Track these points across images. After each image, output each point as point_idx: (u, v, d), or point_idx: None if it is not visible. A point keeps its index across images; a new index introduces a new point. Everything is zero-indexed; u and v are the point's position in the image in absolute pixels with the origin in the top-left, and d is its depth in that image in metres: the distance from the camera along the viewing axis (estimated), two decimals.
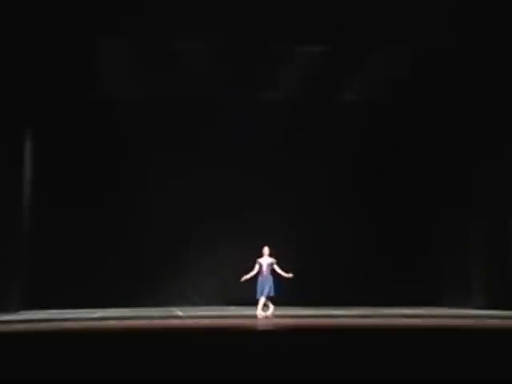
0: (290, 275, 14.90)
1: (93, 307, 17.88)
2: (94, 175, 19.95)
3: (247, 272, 14.90)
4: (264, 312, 14.54)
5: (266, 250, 15.01)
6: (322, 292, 19.60)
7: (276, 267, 14.95)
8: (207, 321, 13.90)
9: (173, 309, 18.31)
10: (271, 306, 14.74)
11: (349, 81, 18.88)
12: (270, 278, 14.79)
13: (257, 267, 14.86)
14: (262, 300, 14.68)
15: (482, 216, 18.84)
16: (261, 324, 12.98)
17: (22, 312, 17.48)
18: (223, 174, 20.24)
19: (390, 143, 20.70)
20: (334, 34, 16.06)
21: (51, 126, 19.46)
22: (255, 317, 14.29)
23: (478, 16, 15.27)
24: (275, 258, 15.08)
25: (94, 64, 17.31)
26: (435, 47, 16.73)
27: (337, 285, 19.91)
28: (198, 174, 20.29)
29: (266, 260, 14.92)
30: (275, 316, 14.49)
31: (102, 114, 19.58)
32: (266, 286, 14.66)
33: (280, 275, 14.91)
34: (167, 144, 20.23)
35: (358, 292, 19.65)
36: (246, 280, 14.81)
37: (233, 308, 18.43)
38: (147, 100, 19.62)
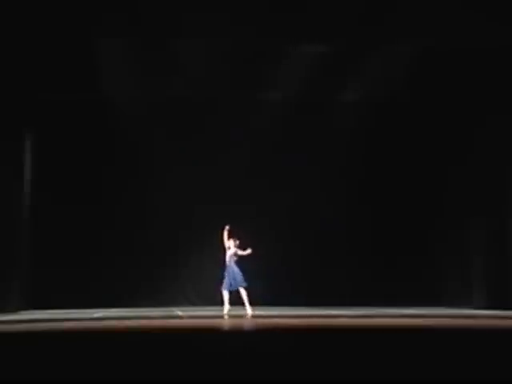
0: (248, 251, 14.60)
1: (93, 307, 17.88)
2: (93, 175, 19.97)
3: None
4: (250, 310, 14.49)
5: (231, 242, 14.75)
6: (321, 292, 19.61)
7: (240, 252, 14.65)
8: (207, 321, 13.90)
9: (173, 309, 18.31)
10: (227, 306, 14.59)
11: (349, 81, 18.88)
12: (232, 270, 14.54)
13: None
14: (227, 295, 14.54)
15: (482, 216, 18.85)
16: (261, 324, 12.96)
17: (21, 312, 17.48)
18: (223, 175, 20.27)
19: (390, 143, 20.71)
20: (334, 34, 16.06)
21: (51, 126, 19.48)
22: (245, 316, 14.22)
23: (479, 16, 15.30)
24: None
25: (94, 64, 17.32)
26: (436, 47, 16.74)
27: (336, 285, 19.92)
28: (199, 175, 20.31)
29: (229, 251, 14.71)
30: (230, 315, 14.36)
31: (103, 114, 19.59)
32: (229, 278, 14.52)
33: (245, 255, 14.64)
34: (167, 144, 20.24)
35: (357, 292, 19.67)
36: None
37: (232, 308, 18.41)
38: (146, 100, 19.63)
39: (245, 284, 14.48)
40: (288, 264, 20.32)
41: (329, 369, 6.09)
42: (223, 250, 14.77)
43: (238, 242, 14.76)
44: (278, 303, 18.82)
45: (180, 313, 16.41)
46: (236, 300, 14.68)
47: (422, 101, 19.44)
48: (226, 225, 14.86)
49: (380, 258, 20.46)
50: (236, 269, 14.57)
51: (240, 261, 14.59)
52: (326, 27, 15.57)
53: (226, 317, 14.15)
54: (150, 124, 20.04)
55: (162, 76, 18.03)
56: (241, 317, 14.16)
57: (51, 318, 14.69)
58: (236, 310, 15.11)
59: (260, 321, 13.68)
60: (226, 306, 14.53)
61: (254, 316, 14.16)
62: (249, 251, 14.63)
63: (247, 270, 14.80)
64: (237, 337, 10.03)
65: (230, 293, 14.63)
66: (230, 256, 14.66)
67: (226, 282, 14.56)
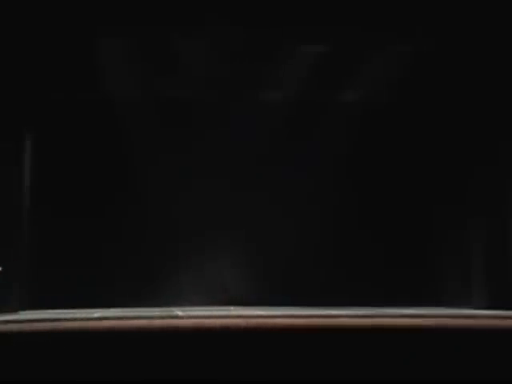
0: None
1: (93, 307, 17.87)
2: (94, 175, 19.97)
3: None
4: None
5: None
6: (321, 292, 19.61)
7: None
8: (207, 321, 13.89)
9: (173, 309, 18.31)
10: None
11: (349, 81, 18.91)
12: None
13: None
14: None
15: (482, 216, 18.85)
16: (261, 324, 12.97)
17: (21, 312, 17.47)
18: (223, 176, 20.28)
19: (390, 143, 20.72)
20: (334, 34, 16.09)
21: (51, 125, 19.49)
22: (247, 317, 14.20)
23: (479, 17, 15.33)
24: None
25: (95, 64, 17.34)
26: (436, 47, 16.77)
27: (336, 285, 19.92)
28: (200, 176, 20.32)
29: None
30: None
31: (103, 113, 19.60)
32: None
33: None
34: (170, 146, 20.25)
35: (357, 292, 19.66)
36: None
37: (233, 308, 18.43)
38: (148, 99, 19.66)
39: None
40: (288, 263, 20.33)
41: (329, 369, 6.10)
42: None
43: None
44: (278, 303, 18.82)
45: (180, 313, 16.42)
46: None
47: (423, 101, 19.47)
48: None
49: (380, 257, 20.46)
50: None
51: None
52: (326, 27, 15.62)
53: None
54: (152, 124, 20.04)
55: (166, 76, 18.05)
56: (244, 318, 14.14)
57: (51, 318, 14.69)
58: (238, 311, 15.14)
59: (259, 321, 13.69)
60: None
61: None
62: None
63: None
64: (236, 337, 10.03)
65: None
66: None
67: None
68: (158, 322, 13.56)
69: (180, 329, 11.70)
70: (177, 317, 15.58)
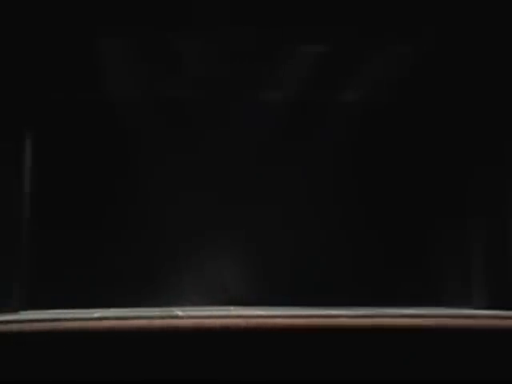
0: None
1: (93, 307, 17.87)
2: (95, 176, 19.96)
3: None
4: None
5: None
6: (322, 292, 19.62)
7: None
8: (207, 321, 13.88)
9: (173, 309, 18.31)
10: None
11: (349, 81, 18.92)
12: None
13: None
14: None
15: (482, 216, 18.85)
16: (261, 324, 12.96)
17: (22, 312, 17.47)
18: (223, 176, 20.29)
19: (391, 143, 20.71)
20: (334, 34, 16.10)
21: (52, 125, 19.48)
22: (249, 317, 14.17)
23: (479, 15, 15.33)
24: None
25: (95, 64, 17.34)
26: (436, 47, 16.77)
27: (336, 285, 19.93)
28: (199, 176, 20.31)
29: None
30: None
31: (103, 114, 19.60)
32: None
33: None
34: (170, 146, 20.23)
35: (357, 292, 19.67)
36: None
37: (233, 308, 18.42)
38: (148, 99, 19.66)
39: None
40: (288, 263, 20.34)
41: (329, 369, 6.09)
42: None
43: None
44: (278, 303, 18.83)
45: (180, 313, 16.41)
46: None
47: (424, 102, 19.46)
48: None
49: (379, 257, 20.46)
50: None
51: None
52: (326, 27, 15.62)
53: None
54: (152, 124, 20.04)
55: (166, 76, 18.06)
56: (245, 317, 14.13)
57: (51, 318, 14.68)
58: (238, 311, 15.13)
59: (259, 321, 13.68)
60: None
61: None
62: None
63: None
64: (236, 337, 10.02)
65: None
66: None
67: None
68: (157, 322, 13.56)
69: (180, 329, 11.70)
70: (177, 317, 15.58)
